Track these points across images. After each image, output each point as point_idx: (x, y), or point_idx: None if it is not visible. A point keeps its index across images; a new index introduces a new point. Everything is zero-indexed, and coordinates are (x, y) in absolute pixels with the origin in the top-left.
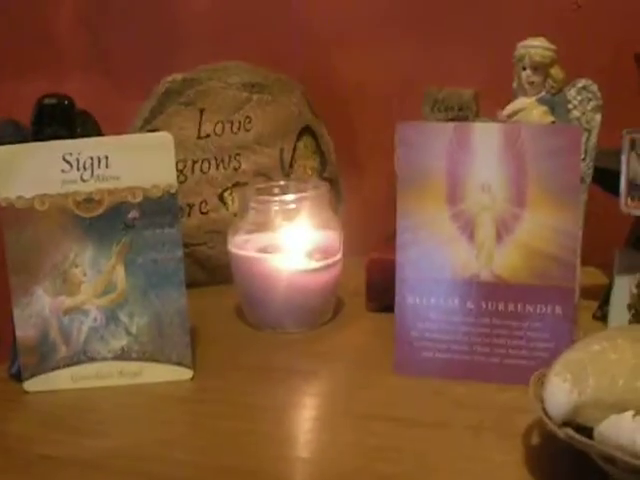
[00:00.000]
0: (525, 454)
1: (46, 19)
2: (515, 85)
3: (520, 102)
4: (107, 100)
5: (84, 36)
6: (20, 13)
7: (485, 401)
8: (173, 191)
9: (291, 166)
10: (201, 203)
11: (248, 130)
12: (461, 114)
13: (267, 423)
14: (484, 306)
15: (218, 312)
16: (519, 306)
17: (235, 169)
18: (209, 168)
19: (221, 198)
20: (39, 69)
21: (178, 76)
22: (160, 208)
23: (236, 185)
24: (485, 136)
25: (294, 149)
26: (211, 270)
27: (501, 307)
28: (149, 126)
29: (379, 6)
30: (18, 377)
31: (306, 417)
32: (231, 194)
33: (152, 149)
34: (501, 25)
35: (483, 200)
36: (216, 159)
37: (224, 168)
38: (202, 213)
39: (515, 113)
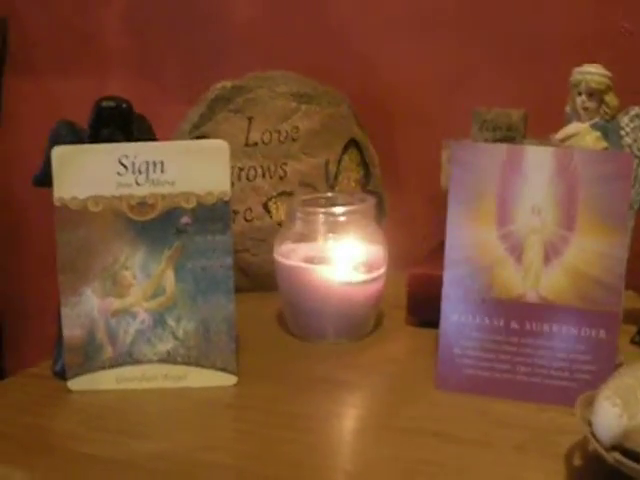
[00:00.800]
0: (568, 476)
1: (93, 20)
2: (569, 109)
3: (574, 127)
4: (149, 103)
5: (130, 39)
6: (68, 13)
7: (526, 420)
8: (226, 199)
9: (336, 178)
10: (246, 210)
11: (295, 140)
12: (509, 135)
13: (310, 433)
14: (528, 327)
15: (260, 319)
16: (563, 328)
17: (280, 178)
18: (255, 176)
19: (266, 206)
20: (84, 69)
21: (228, 83)
22: (212, 215)
23: (281, 194)
24: (538, 159)
25: (339, 161)
26: (253, 277)
27: (545, 328)
28: (197, 132)
29: (428, 24)
30: (61, 375)
31: (349, 429)
32: (275, 203)
33: (207, 156)
34: (549, 47)
35: (533, 222)
36: (262, 167)
37: (270, 177)
38: (246, 220)
39: (568, 137)
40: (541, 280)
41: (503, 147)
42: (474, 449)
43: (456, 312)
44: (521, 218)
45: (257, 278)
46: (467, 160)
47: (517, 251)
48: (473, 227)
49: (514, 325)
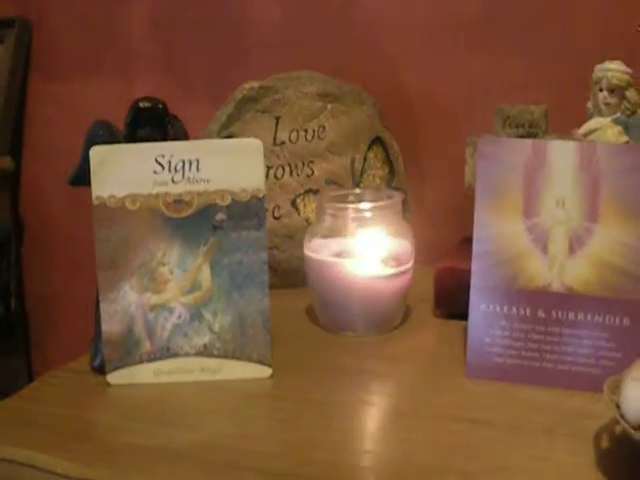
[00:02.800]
0: (597, 457)
1: (119, 22)
2: (590, 105)
3: (595, 122)
4: (174, 105)
5: (156, 40)
6: (93, 15)
7: (554, 406)
8: (261, 196)
9: (361, 175)
10: (274, 208)
11: (322, 139)
12: (531, 131)
13: (345, 420)
14: (554, 315)
15: (290, 314)
16: (588, 316)
17: (308, 176)
18: (283, 175)
19: (294, 204)
20: (109, 71)
21: (255, 84)
22: (247, 211)
23: (308, 192)
24: (562, 153)
25: (365, 159)
26: (282, 273)
27: (571, 317)
28: (226, 132)
29: (449, 21)
30: (100, 370)
31: (382, 416)
32: (303, 200)
33: (242, 154)
34: (570, 46)
35: (557, 214)
36: (290, 166)
37: (297, 175)
38: (275, 218)
39: (590, 132)
40: (566, 270)
41: (528, 142)
42: (506, 434)
43: (484, 302)
44: (546, 210)
45: (286, 275)
46: (493, 155)
47: (543, 242)
48: (499, 219)
49: (541, 314)
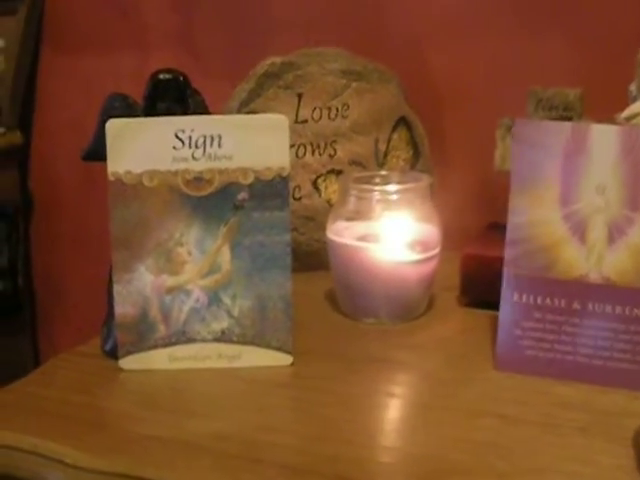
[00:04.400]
0: (637, 458)
1: None
2: (634, 88)
3: (639, 106)
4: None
5: (170, 14)
6: None
7: (588, 403)
8: (285, 174)
9: (385, 156)
10: (295, 188)
11: (345, 117)
12: (565, 114)
13: (368, 413)
14: (591, 307)
15: (309, 298)
16: (627, 309)
17: (330, 156)
18: (304, 154)
19: (315, 184)
20: (123, 45)
21: (277, 59)
22: (271, 191)
23: (330, 172)
24: (603, 138)
25: (389, 140)
26: (300, 256)
27: (608, 309)
28: (246, 108)
29: (481, 1)
30: (112, 354)
31: (407, 409)
32: (325, 181)
33: (266, 130)
34: (607, 24)
35: (597, 202)
36: (312, 145)
37: (319, 154)
38: (295, 199)
39: (634, 116)
40: (604, 260)
41: (567, 125)
42: (539, 431)
43: (516, 292)
44: (585, 197)
45: (305, 257)
46: (530, 138)
47: (580, 231)
48: (535, 206)
49: (576, 306)
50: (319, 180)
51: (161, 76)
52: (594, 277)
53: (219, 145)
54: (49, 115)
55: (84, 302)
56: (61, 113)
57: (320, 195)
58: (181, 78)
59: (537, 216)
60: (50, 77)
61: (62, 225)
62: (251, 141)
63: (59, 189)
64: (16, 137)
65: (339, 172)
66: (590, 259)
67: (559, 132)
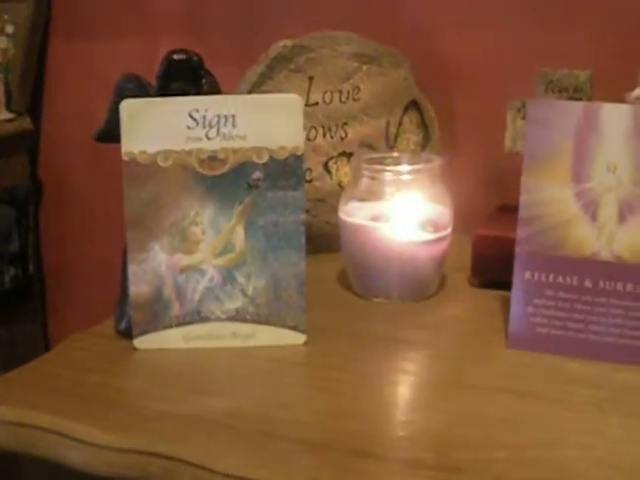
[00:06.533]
0: None
1: None
2: None
3: None
4: None
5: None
6: None
7: (601, 379)
8: (299, 153)
9: (395, 139)
10: (306, 171)
11: (356, 100)
12: (575, 96)
13: (383, 390)
14: (602, 285)
15: (321, 279)
16: (638, 287)
17: (341, 138)
18: (316, 136)
19: (326, 167)
20: (132, 31)
21: (289, 42)
22: (285, 170)
23: (342, 155)
24: (614, 117)
25: (400, 122)
26: (312, 238)
27: (619, 287)
28: (257, 91)
29: None
30: (127, 334)
31: (421, 386)
32: (336, 163)
33: (281, 110)
34: (617, 6)
35: (608, 180)
36: (323, 127)
37: (330, 137)
38: (307, 181)
39: None
40: (616, 238)
41: (579, 104)
42: (552, 407)
43: (528, 270)
44: (597, 176)
45: (315, 239)
46: (543, 118)
47: (592, 209)
48: (548, 185)
49: (588, 284)
50: (330, 162)
51: (175, 56)
52: (605, 255)
53: (233, 125)
54: (58, 101)
55: (94, 287)
56: (70, 99)
57: (331, 177)
58: (195, 58)
59: (549, 194)
60: (59, 63)
61: (72, 211)
62: (265, 121)
63: (69, 174)
64: (26, 123)
65: (350, 155)
66: (601, 237)
67: (571, 112)
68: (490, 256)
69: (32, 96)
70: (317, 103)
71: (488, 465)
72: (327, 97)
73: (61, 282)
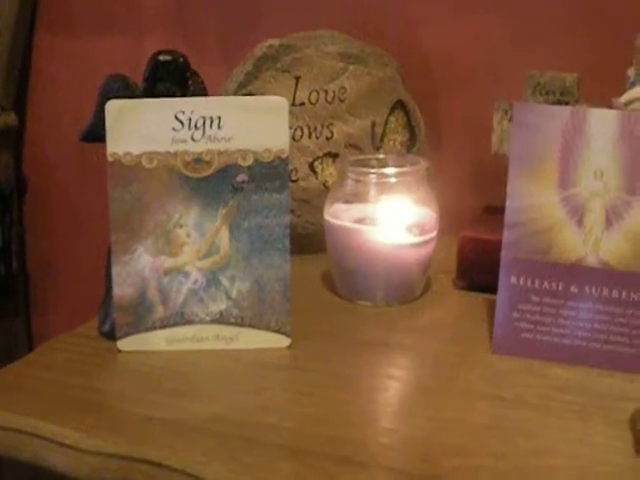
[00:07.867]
0: (635, 441)
1: None
2: (632, 73)
3: (637, 91)
4: None
5: None
6: None
7: (585, 386)
8: (284, 156)
9: (381, 139)
10: (291, 171)
11: (342, 100)
12: (562, 99)
13: (366, 395)
14: (588, 291)
15: (305, 281)
16: (623, 293)
17: (327, 138)
18: (301, 136)
19: (311, 167)
20: (119, 27)
21: (275, 42)
22: (270, 173)
23: (327, 155)
24: (601, 122)
25: (385, 123)
26: (296, 239)
27: (605, 293)
28: (244, 90)
29: None
30: (110, 336)
31: (407, 391)
32: (321, 163)
33: (266, 112)
34: (608, 10)
35: (595, 186)
36: (309, 127)
37: (316, 137)
38: (292, 181)
39: (632, 101)
40: (602, 244)
41: (566, 109)
42: (537, 413)
43: (514, 275)
44: (583, 181)
45: (301, 240)
46: (529, 121)
47: (578, 214)
48: (534, 189)
49: (573, 289)
50: (316, 163)
51: (161, 57)
52: (591, 260)
53: (219, 126)
54: (44, 97)
55: (78, 285)
56: (56, 95)
57: (317, 178)
58: (181, 59)
59: (535, 199)
60: (45, 59)
61: (56, 208)
62: (251, 123)
63: (53, 171)
64: (10, 119)
65: (336, 155)
66: (587, 243)
67: (558, 116)
68: (476, 258)
69: (17, 92)
70: (303, 103)
71: (473, 473)
72: (313, 97)
73: (45, 278)
